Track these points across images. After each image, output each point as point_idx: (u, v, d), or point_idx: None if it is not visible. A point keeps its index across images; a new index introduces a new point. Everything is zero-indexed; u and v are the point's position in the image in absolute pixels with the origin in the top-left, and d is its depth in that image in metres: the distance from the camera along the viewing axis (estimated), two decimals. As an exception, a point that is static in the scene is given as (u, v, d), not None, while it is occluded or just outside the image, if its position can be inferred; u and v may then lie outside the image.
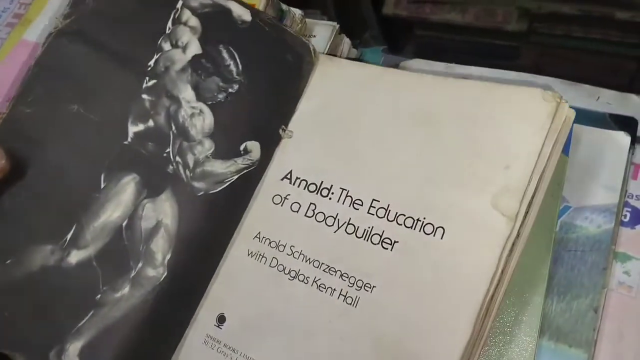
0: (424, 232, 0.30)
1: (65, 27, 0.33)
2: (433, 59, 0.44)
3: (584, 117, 0.35)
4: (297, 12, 0.39)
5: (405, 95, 0.33)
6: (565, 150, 0.32)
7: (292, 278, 0.31)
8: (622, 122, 0.35)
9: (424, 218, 0.30)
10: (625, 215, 0.33)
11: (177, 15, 0.34)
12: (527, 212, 0.28)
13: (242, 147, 0.33)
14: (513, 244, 0.28)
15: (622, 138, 0.34)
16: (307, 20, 0.40)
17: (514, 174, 0.28)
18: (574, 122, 0.34)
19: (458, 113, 0.31)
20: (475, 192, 0.29)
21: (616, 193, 0.32)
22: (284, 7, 0.38)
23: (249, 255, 0.33)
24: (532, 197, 0.28)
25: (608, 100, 0.38)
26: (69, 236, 0.30)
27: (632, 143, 0.34)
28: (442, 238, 0.29)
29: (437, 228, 0.29)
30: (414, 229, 0.30)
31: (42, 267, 0.30)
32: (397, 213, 0.31)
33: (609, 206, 0.32)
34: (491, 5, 0.88)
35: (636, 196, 0.34)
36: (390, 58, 0.42)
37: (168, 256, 0.31)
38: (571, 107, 0.37)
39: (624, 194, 0.33)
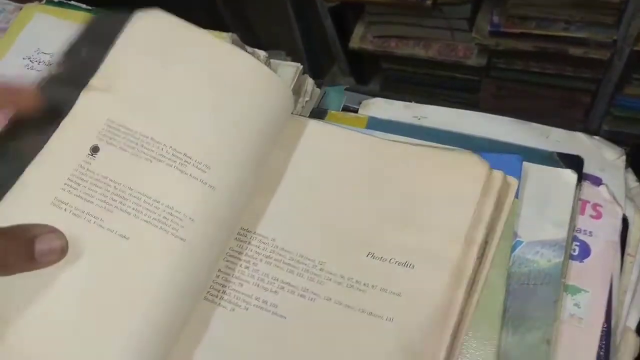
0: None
1: None
2: (398, 91, 0.45)
3: (534, 155, 0.37)
4: (261, 53, 0.40)
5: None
6: (516, 193, 0.34)
7: None
8: (569, 160, 0.36)
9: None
10: (575, 249, 0.35)
11: None
12: (483, 251, 0.32)
13: None
14: (473, 276, 0.32)
15: (569, 176, 0.36)
16: (271, 61, 0.41)
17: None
18: (525, 160, 0.36)
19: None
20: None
21: (565, 228, 0.34)
22: (249, 49, 0.40)
23: None
24: (485, 233, 0.32)
25: (557, 139, 0.39)
26: None
27: (579, 180, 0.36)
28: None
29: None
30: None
31: None
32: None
33: (559, 241, 0.34)
34: (452, 41, 0.92)
35: (584, 231, 0.35)
36: (353, 96, 0.44)
37: None
38: (521, 145, 0.39)
39: (573, 228, 0.35)
